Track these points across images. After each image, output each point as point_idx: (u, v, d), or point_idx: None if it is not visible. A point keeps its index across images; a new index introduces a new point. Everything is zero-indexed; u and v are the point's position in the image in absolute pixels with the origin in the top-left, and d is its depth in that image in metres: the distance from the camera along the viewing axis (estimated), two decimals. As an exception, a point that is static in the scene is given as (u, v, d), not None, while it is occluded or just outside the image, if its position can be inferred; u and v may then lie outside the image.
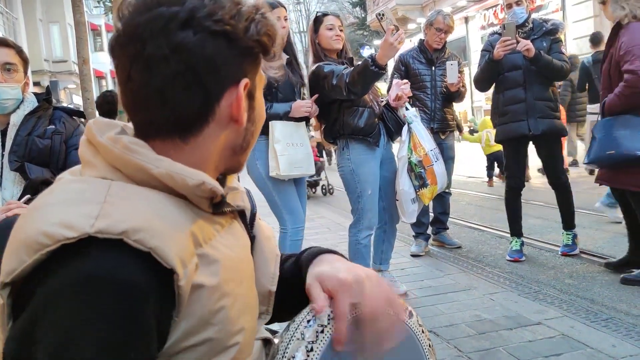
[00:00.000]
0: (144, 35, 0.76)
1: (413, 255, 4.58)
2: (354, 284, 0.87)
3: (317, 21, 3.43)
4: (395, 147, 3.70)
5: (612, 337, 2.73)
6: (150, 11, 0.76)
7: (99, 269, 0.66)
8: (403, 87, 3.37)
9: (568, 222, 4.29)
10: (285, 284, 1.00)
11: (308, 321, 0.86)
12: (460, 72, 4.41)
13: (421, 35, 4.74)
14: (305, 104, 3.23)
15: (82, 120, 3.58)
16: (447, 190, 4.76)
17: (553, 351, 2.61)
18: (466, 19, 18.85)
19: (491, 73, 4.16)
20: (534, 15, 4.35)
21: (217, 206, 0.82)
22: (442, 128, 4.57)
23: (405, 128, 3.45)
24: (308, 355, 0.83)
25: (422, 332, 0.97)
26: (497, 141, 4.44)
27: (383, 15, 2.95)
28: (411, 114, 3.46)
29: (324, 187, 9.45)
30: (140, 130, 0.82)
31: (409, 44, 18.71)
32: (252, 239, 0.96)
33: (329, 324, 0.85)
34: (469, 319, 3.09)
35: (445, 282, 3.82)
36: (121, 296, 0.66)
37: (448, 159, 4.58)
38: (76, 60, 3.49)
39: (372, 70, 2.95)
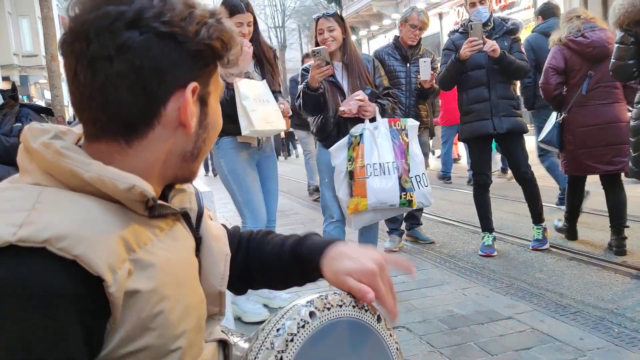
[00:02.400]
0: (89, 34, 0.75)
1: (387, 251, 4.61)
2: (379, 269, 0.96)
3: (315, 25, 3.46)
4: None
5: (580, 330, 2.79)
6: (98, 9, 0.75)
7: (13, 277, 0.65)
8: (352, 103, 3.30)
9: (536, 216, 4.38)
10: (279, 260, 1.07)
11: (278, 330, 0.85)
12: (434, 68, 4.44)
13: (396, 32, 4.76)
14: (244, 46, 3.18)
15: (52, 117, 3.53)
16: None
17: (523, 345, 2.65)
18: (440, 15, 18.99)
19: (456, 72, 4.19)
20: (501, 13, 4.41)
21: (152, 209, 0.80)
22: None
23: (345, 139, 3.36)
24: (298, 331, 0.84)
25: (390, 335, 0.97)
26: (461, 139, 4.51)
27: (318, 53, 3.21)
28: (363, 127, 3.33)
29: None
30: (87, 130, 0.81)
31: (384, 40, 18.76)
32: (199, 240, 0.95)
33: (298, 332, 0.85)
34: (441, 315, 3.12)
35: (419, 277, 3.85)
36: (36, 304, 0.64)
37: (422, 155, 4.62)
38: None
39: (308, 94, 3.28)
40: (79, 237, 0.68)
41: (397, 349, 0.97)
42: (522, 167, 4.28)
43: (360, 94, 3.34)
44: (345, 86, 3.44)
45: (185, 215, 0.91)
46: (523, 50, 4.29)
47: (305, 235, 1.08)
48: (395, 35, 4.72)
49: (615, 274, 3.67)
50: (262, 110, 3.13)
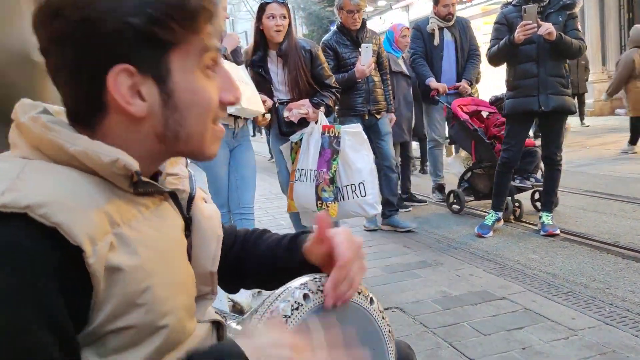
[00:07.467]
0: (36, 26, 0.76)
1: (365, 230, 4.72)
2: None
3: (261, 9, 3.41)
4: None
5: (572, 309, 2.81)
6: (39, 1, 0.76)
7: None
8: (294, 112, 3.40)
9: (548, 203, 4.28)
10: (273, 257, 1.07)
11: (271, 312, 0.86)
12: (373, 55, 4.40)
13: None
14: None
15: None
16: (393, 169, 4.76)
17: (515, 325, 2.67)
18: (435, -4, 18.81)
19: (507, 54, 4.06)
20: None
21: (137, 185, 0.79)
22: (378, 109, 4.59)
23: (287, 143, 3.55)
24: (292, 313, 0.85)
25: (383, 318, 0.97)
26: (504, 115, 4.39)
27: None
28: (302, 133, 3.47)
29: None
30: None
31: (378, 21, 18.63)
32: (189, 220, 0.94)
33: (292, 314, 0.85)
34: (434, 295, 3.14)
35: (412, 258, 3.87)
36: (16, 267, 0.64)
37: (385, 134, 4.63)
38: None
39: None
40: (61, 206, 0.68)
41: (389, 331, 0.98)
42: (554, 147, 4.16)
43: (305, 107, 3.41)
44: (277, 78, 3.52)
45: (173, 196, 0.89)
46: (579, 27, 4.09)
47: (302, 231, 1.09)
48: (338, 22, 4.57)
49: (607, 254, 3.69)
50: (244, 89, 3.09)
